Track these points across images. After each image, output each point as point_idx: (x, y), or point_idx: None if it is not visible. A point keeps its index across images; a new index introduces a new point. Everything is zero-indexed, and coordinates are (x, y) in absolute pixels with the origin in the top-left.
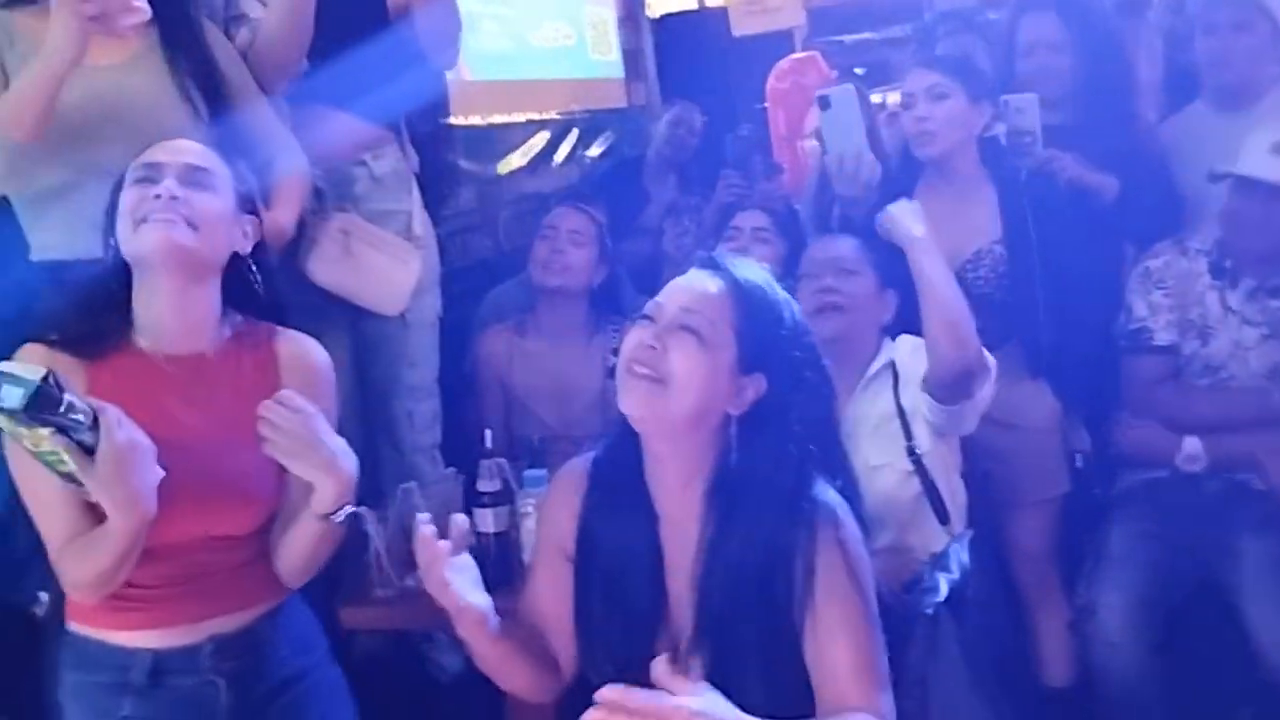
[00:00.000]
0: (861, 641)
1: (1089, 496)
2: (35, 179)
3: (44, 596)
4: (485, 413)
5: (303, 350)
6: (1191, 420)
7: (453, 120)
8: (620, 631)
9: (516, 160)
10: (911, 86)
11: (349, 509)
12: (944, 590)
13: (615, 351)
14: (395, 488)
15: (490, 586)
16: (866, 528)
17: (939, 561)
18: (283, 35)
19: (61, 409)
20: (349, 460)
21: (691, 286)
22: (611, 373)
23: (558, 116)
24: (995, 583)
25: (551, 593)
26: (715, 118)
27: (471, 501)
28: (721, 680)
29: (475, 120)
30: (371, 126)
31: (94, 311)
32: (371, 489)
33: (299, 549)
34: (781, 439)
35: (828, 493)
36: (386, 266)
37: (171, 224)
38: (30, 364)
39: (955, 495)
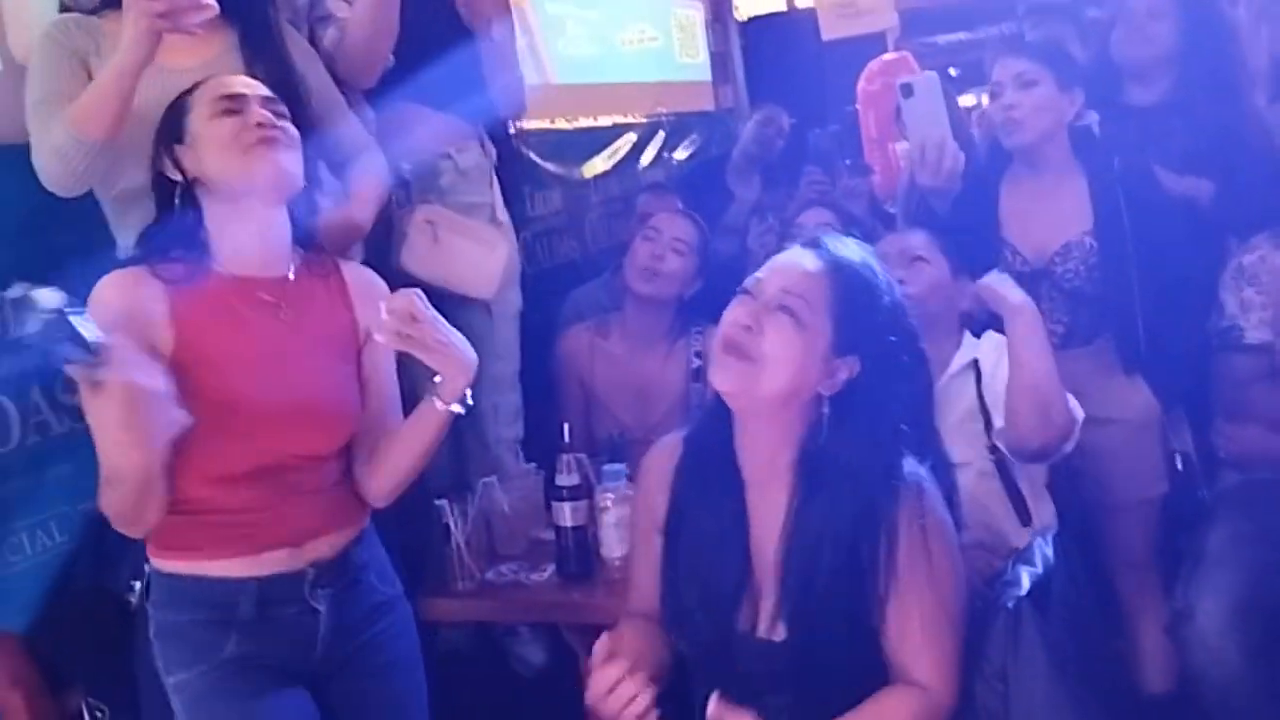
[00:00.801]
0: (934, 618)
1: (1191, 499)
2: (118, 180)
3: (138, 585)
4: (566, 411)
5: (368, 278)
6: None
7: (540, 123)
8: (706, 595)
9: (603, 163)
10: (999, 75)
11: (469, 398)
12: (1026, 584)
13: (699, 354)
14: (479, 480)
15: (569, 580)
16: (955, 508)
17: (1022, 555)
18: (368, 34)
19: (75, 341)
20: (470, 348)
21: (792, 266)
22: (697, 375)
23: (644, 119)
24: (1088, 583)
25: (649, 568)
26: (804, 120)
27: (550, 496)
28: (803, 646)
29: (562, 124)
30: (455, 121)
31: (172, 238)
32: (457, 481)
33: (411, 448)
34: (872, 420)
35: (915, 471)
36: (475, 252)
37: (285, 147)
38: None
39: (1039, 495)
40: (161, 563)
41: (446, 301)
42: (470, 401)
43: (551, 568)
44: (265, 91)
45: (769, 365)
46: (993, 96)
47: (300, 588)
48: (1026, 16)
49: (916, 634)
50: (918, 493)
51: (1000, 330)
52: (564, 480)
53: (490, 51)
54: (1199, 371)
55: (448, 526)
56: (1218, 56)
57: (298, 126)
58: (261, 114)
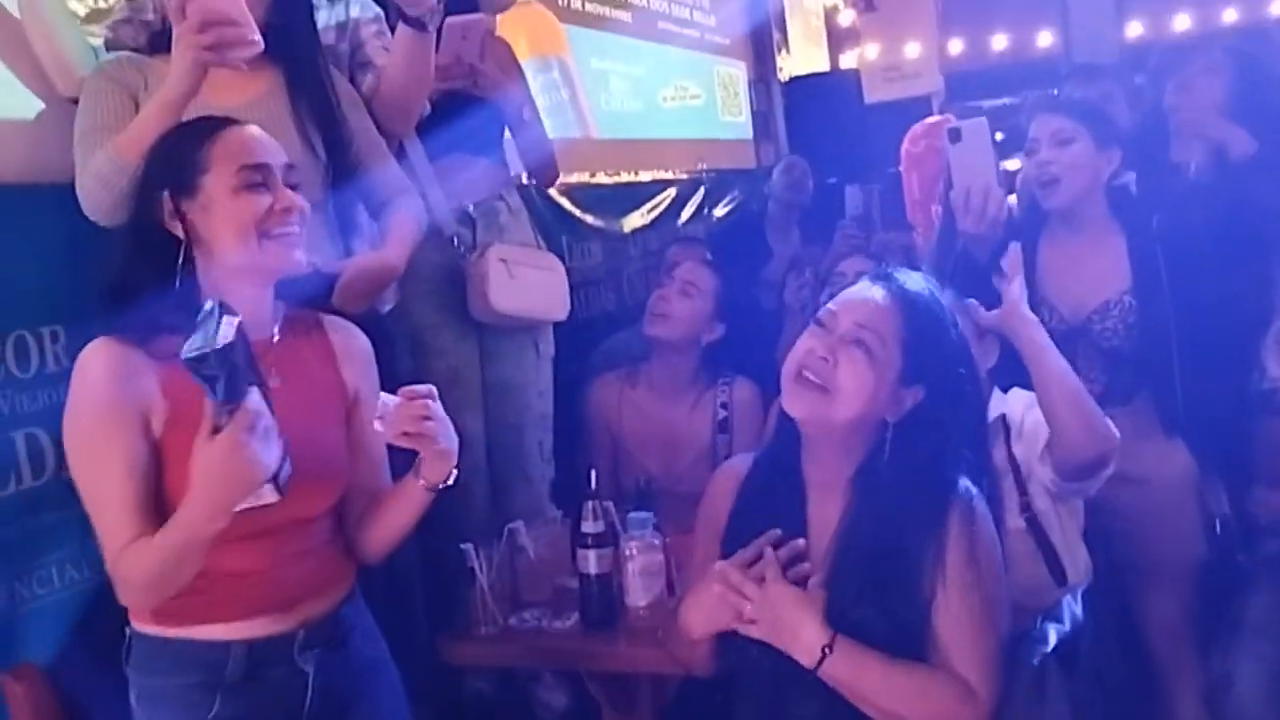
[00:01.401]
0: (981, 623)
1: (1229, 564)
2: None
3: None
4: (594, 458)
5: (351, 336)
6: None
7: (581, 177)
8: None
9: (642, 217)
10: (1036, 132)
11: (453, 478)
12: (1052, 640)
13: (725, 405)
14: (527, 518)
15: (592, 627)
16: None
17: (1050, 613)
18: (405, 82)
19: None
20: (453, 434)
21: (865, 300)
22: (723, 426)
23: (685, 175)
24: (1119, 644)
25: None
26: (845, 179)
27: (576, 543)
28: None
29: (603, 178)
30: (503, 168)
31: (168, 307)
32: (503, 521)
33: (397, 519)
34: (933, 446)
35: (969, 488)
36: (545, 279)
37: (296, 244)
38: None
39: (1075, 555)
40: (145, 627)
41: (505, 344)
42: (452, 481)
43: (575, 615)
44: (285, 158)
45: (842, 396)
46: (1029, 153)
47: (289, 649)
48: (1069, 77)
49: (966, 635)
50: (969, 506)
51: (1025, 387)
52: (589, 527)
53: (509, 112)
54: (1237, 434)
55: (473, 570)
56: (1267, 119)
57: (339, 169)
58: (286, 197)
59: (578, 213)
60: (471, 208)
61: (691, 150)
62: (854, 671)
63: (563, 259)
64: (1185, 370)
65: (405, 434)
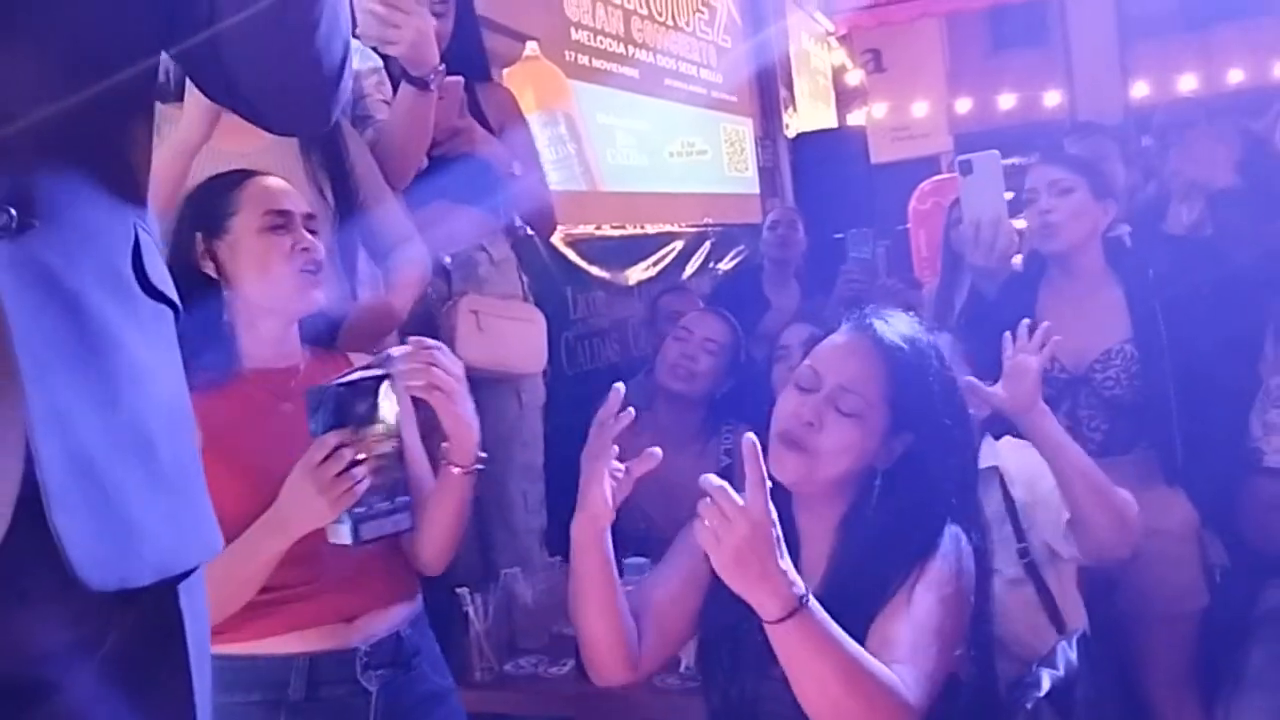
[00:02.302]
0: (925, 638)
1: (1230, 614)
2: (167, 255)
3: None
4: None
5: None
6: None
7: (586, 229)
8: (747, 633)
9: (648, 270)
10: (1034, 182)
11: (482, 462)
12: (1046, 685)
13: (728, 453)
14: (503, 570)
15: (587, 675)
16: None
17: (1044, 659)
18: (404, 138)
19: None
20: (476, 417)
21: (849, 358)
22: (726, 473)
23: (691, 229)
24: (1117, 693)
25: (678, 582)
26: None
27: None
28: None
29: (609, 230)
30: (486, 216)
31: (203, 340)
32: (486, 571)
33: (442, 515)
34: (923, 492)
35: (957, 535)
36: (518, 330)
37: (315, 284)
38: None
39: (1071, 602)
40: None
41: (483, 392)
42: (484, 455)
43: (571, 662)
44: (306, 207)
45: (827, 458)
46: (1029, 203)
47: (352, 667)
48: (1071, 133)
49: (917, 646)
50: (955, 552)
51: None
52: None
53: (515, 178)
54: (1235, 487)
55: (468, 615)
56: (1266, 189)
57: (345, 214)
58: (306, 240)
59: (583, 264)
60: (448, 259)
61: (698, 205)
62: (818, 642)
63: (567, 310)
64: (1183, 420)
65: (417, 385)
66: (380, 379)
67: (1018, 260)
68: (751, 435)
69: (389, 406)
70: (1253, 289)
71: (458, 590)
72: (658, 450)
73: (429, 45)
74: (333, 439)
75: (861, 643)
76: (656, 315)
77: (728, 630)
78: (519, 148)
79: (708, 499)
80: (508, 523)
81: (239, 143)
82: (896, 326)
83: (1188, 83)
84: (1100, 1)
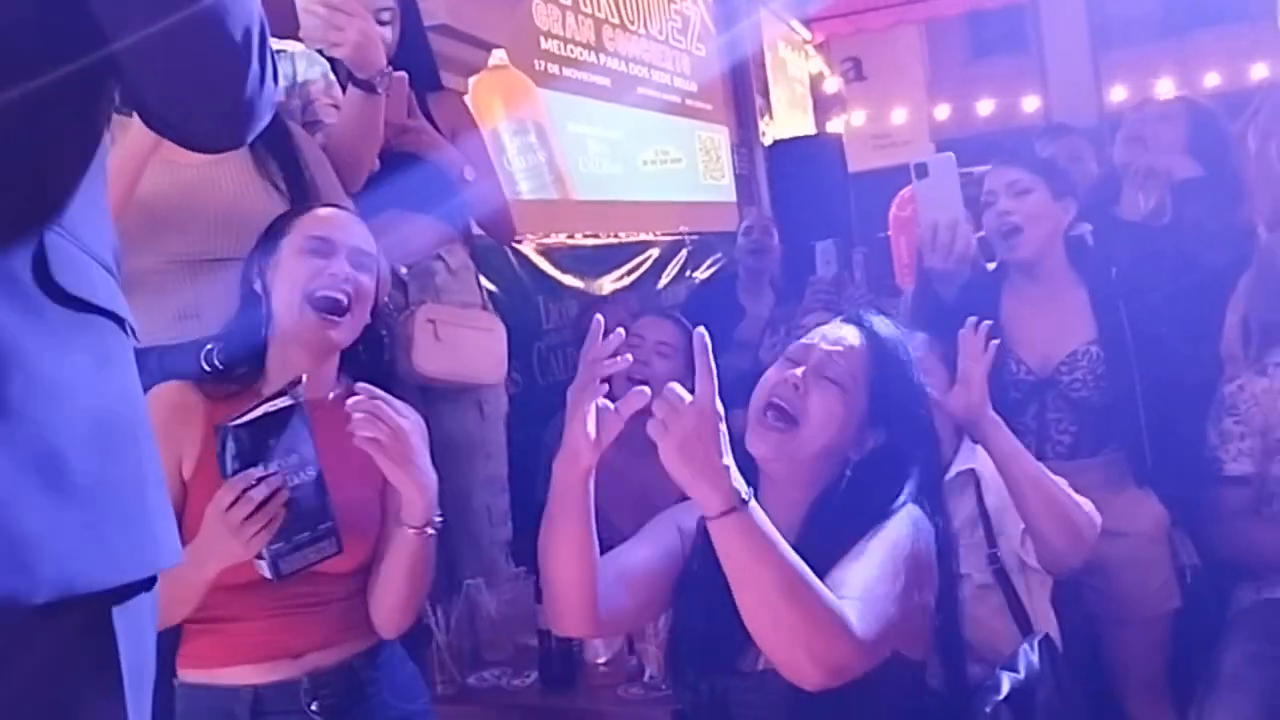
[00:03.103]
0: (873, 580)
1: (1202, 615)
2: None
3: None
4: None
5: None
6: (1273, 555)
7: (559, 238)
8: (713, 633)
9: (623, 279)
10: (991, 184)
11: (438, 522)
12: (1005, 688)
13: None
14: (469, 580)
15: (551, 685)
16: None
17: (1006, 662)
18: (353, 141)
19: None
20: (434, 476)
21: (838, 336)
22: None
23: (666, 237)
24: (1082, 696)
25: (653, 555)
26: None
27: (536, 598)
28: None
29: (583, 239)
30: (442, 224)
31: (239, 353)
32: (450, 584)
33: (391, 573)
34: (889, 489)
35: (914, 510)
36: (478, 340)
37: (337, 326)
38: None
39: (1040, 608)
40: (182, 675)
41: (444, 404)
42: (438, 522)
43: (535, 674)
44: (359, 242)
45: (810, 427)
46: (986, 205)
47: (295, 697)
48: (1043, 135)
49: (866, 583)
50: (911, 518)
51: None
52: None
53: (469, 184)
54: (1203, 485)
55: (429, 628)
56: (1218, 174)
57: None
58: (343, 268)
59: (555, 274)
60: (405, 269)
61: (673, 213)
62: (759, 544)
63: (540, 320)
64: (1152, 420)
65: (363, 437)
66: (291, 408)
67: (992, 266)
68: (701, 329)
69: (302, 435)
70: (1217, 283)
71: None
72: (645, 389)
73: (374, 47)
74: (239, 482)
75: None
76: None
77: (697, 628)
78: (472, 153)
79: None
80: (472, 535)
81: (195, 154)
82: (885, 325)
83: (1165, 87)
84: (1073, 8)
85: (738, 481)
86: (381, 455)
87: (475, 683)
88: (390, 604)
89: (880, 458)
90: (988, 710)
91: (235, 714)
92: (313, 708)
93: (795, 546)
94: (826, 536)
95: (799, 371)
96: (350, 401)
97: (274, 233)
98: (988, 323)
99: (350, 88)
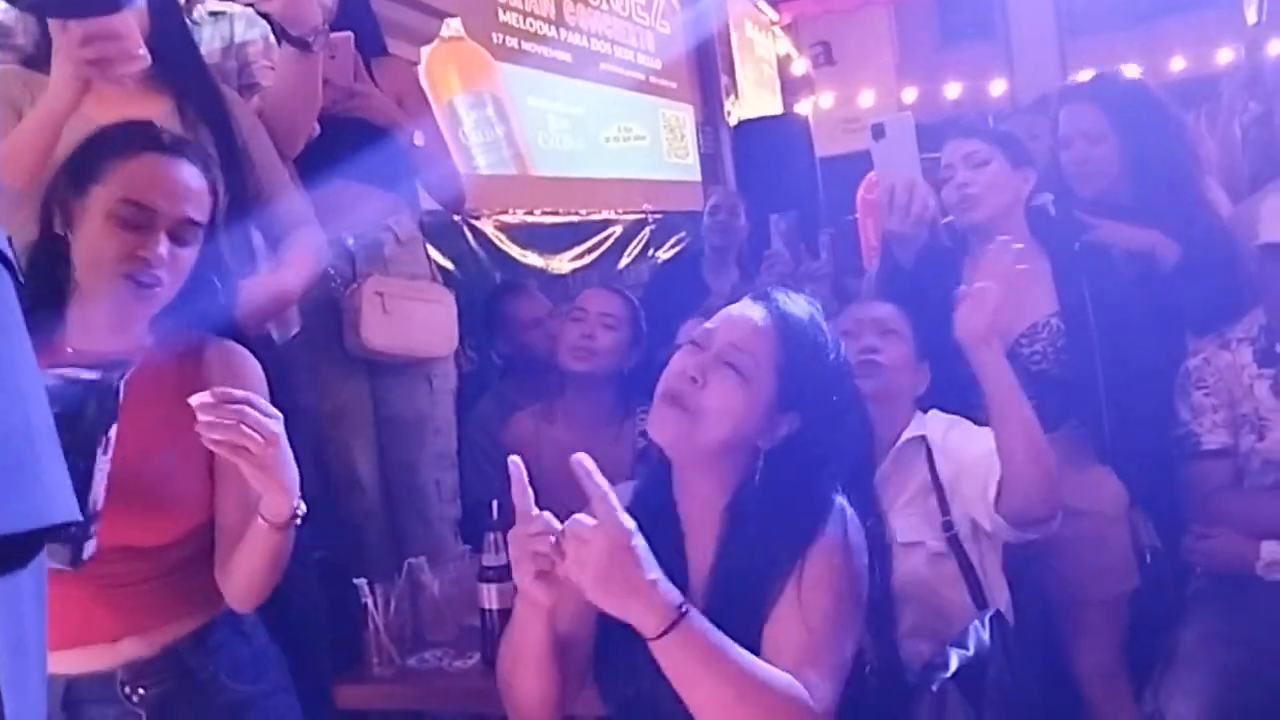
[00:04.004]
0: (823, 636)
1: (1161, 596)
2: (30, 229)
3: None
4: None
5: (232, 364)
6: (1262, 525)
7: (516, 214)
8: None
9: (583, 257)
10: (948, 157)
11: (300, 515)
12: (953, 665)
13: (644, 434)
14: (411, 559)
15: (492, 665)
16: (887, 564)
17: (956, 639)
18: (290, 104)
19: None
20: (295, 471)
21: (742, 320)
22: (642, 456)
23: (629, 216)
24: (1034, 674)
25: (574, 612)
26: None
27: (477, 577)
28: None
29: (541, 217)
30: (390, 195)
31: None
32: (398, 563)
33: (249, 562)
34: (806, 476)
35: (844, 510)
36: (427, 312)
37: (146, 296)
38: None
39: (995, 579)
40: None
41: (392, 378)
42: (302, 512)
43: (478, 655)
44: (188, 209)
45: (709, 418)
46: (945, 179)
47: (111, 688)
48: (1008, 116)
49: (797, 644)
50: (841, 526)
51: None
52: (490, 560)
53: (418, 149)
54: (1165, 467)
55: (366, 608)
56: (1168, 167)
57: (239, 199)
58: (152, 252)
59: (514, 251)
60: (351, 240)
61: (636, 191)
62: (704, 654)
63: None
64: (1112, 397)
65: (220, 441)
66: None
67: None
68: (581, 455)
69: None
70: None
71: (355, 581)
72: (551, 533)
73: (307, 2)
74: None
75: (757, 641)
76: (500, 322)
77: (622, 632)
78: (420, 120)
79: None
80: (421, 513)
81: (115, 114)
82: (796, 304)
83: (1130, 72)
84: None
85: (670, 593)
86: (248, 463)
87: (415, 664)
88: (247, 586)
89: (795, 446)
90: (934, 688)
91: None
92: (132, 698)
93: (719, 556)
94: (750, 540)
95: (699, 359)
96: (208, 404)
97: (88, 165)
98: (1018, 246)
99: (284, 46)
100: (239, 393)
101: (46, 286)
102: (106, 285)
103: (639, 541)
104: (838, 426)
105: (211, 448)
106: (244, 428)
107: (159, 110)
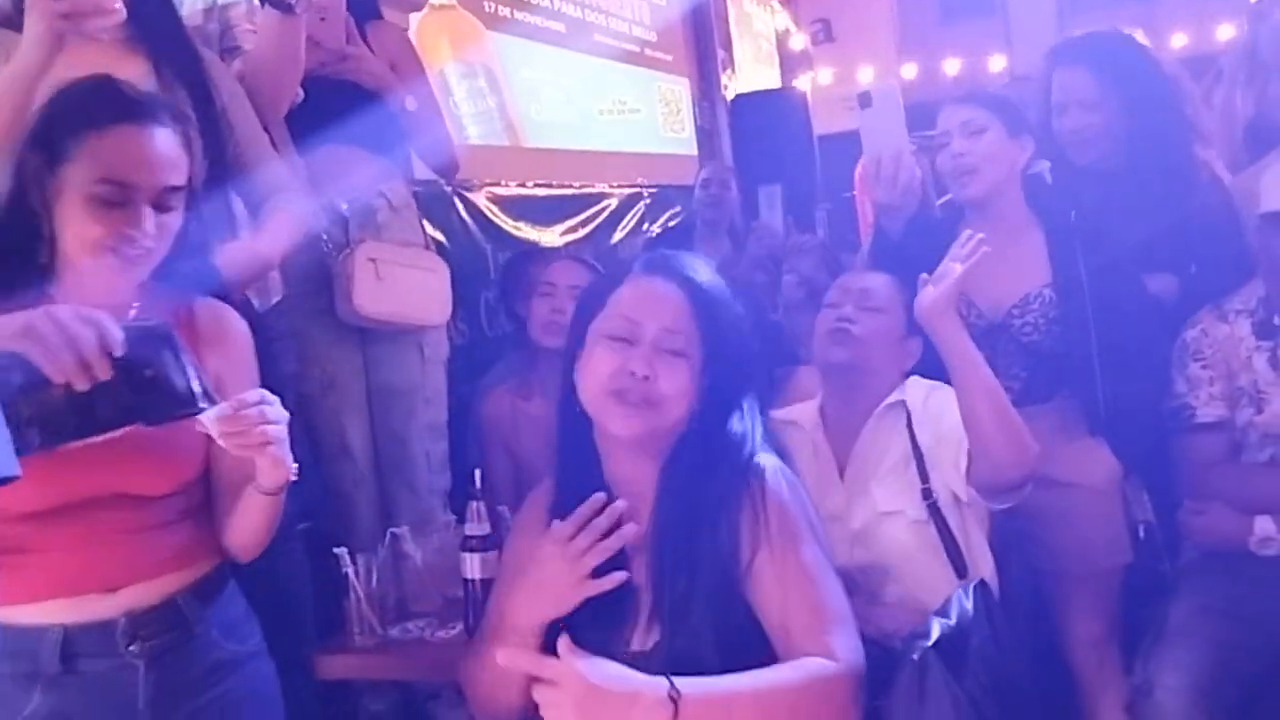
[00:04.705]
0: (815, 589)
1: (1154, 571)
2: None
3: None
4: (492, 476)
5: (221, 322)
6: (1257, 500)
7: (509, 186)
8: (588, 618)
9: (576, 230)
10: (944, 124)
11: (293, 476)
12: (935, 634)
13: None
14: (414, 529)
15: (474, 634)
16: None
17: (939, 609)
18: (272, 67)
19: None
20: (286, 447)
21: (661, 299)
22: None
23: (623, 189)
24: (1020, 648)
25: None
26: (795, 197)
27: (460, 546)
28: (682, 649)
29: (535, 190)
30: (384, 160)
31: (18, 274)
32: (380, 533)
33: (247, 522)
34: (728, 427)
35: (771, 458)
36: (420, 280)
37: (135, 265)
38: None
39: (977, 550)
40: None
41: (384, 345)
42: (295, 477)
43: (460, 625)
44: (167, 177)
45: (668, 403)
46: (940, 146)
47: (111, 638)
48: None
49: (801, 611)
50: (778, 480)
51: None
52: (473, 529)
53: (410, 115)
54: (1159, 440)
55: (348, 577)
56: (1164, 134)
57: (218, 164)
58: (138, 223)
59: (506, 223)
60: (345, 205)
61: (630, 164)
62: (714, 707)
63: (488, 269)
64: (1106, 369)
65: (248, 445)
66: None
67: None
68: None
69: None
70: (1175, 228)
71: (335, 550)
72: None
73: None
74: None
75: (721, 584)
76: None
77: (578, 614)
78: (413, 85)
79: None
80: (410, 483)
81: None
82: (698, 268)
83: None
84: None
85: (653, 686)
86: (265, 455)
87: (398, 634)
88: (246, 541)
89: (713, 402)
90: (915, 657)
91: (41, 658)
92: (130, 649)
93: (659, 521)
94: (684, 499)
95: (640, 355)
96: (219, 413)
97: (56, 141)
98: (980, 235)
99: (266, 7)
100: (252, 396)
101: (23, 255)
102: (93, 259)
103: (600, 673)
104: (747, 375)
105: (235, 453)
106: (263, 429)
107: (135, 71)
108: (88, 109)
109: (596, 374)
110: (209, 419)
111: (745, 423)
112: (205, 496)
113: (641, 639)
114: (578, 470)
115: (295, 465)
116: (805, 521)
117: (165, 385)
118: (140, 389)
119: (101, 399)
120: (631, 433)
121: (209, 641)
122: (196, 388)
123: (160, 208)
